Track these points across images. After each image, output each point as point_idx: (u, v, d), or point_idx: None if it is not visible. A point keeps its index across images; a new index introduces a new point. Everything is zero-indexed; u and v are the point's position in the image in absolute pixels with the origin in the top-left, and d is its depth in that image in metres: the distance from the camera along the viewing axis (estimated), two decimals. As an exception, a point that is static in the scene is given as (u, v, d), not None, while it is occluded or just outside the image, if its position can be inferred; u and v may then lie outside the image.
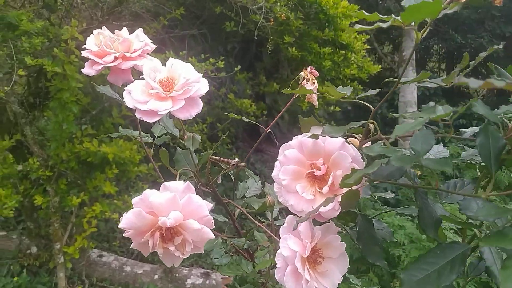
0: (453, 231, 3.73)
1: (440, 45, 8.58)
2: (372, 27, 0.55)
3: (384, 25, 0.54)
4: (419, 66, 7.39)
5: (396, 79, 0.61)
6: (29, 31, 2.33)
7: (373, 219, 0.79)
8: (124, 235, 0.63)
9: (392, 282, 3.66)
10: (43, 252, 3.43)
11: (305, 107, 3.67)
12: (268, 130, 0.81)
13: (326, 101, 3.86)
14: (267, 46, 3.43)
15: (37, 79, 2.91)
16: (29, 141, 2.90)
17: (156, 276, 3.53)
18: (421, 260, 0.57)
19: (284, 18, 3.28)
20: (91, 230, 3.01)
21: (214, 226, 0.67)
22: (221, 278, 3.55)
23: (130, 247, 0.65)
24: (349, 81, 3.89)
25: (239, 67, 3.54)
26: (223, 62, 2.98)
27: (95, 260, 3.62)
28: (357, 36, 3.74)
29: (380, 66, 4.17)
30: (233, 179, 0.84)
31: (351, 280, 1.28)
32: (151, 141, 0.83)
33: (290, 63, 4.68)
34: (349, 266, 0.69)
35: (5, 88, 2.24)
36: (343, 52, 3.69)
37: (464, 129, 0.72)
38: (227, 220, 0.93)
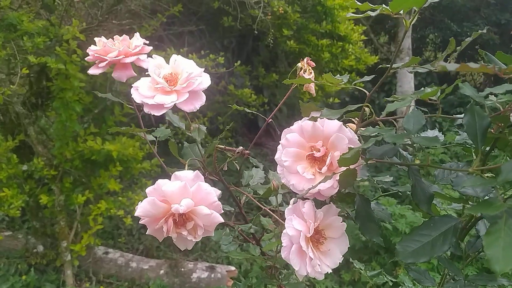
0: (453, 211, 3.79)
1: (436, 34, 8.60)
2: (362, 15, 0.59)
3: (373, 13, 0.58)
4: (416, 55, 7.42)
5: (389, 66, 0.65)
6: (30, 31, 2.37)
7: (371, 201, 0.84)
8: (140, 222, 0.68)
9: (394, 270, 3.71)
10: (50, 250, 3.48)
11: (306, 99, 3.71)
12: (269, 121, 0.85)
13: (325, 93, 3.91)
14: (268, 39, 3.47)
15: (39, 79, 2.95)
16: (33, 141, 2.94)
17: (161, 271, 3.59)
18: (415, 232, 0.61)
19: (282, 11, 3.32)
20: (97, 227, 3.06)
21: (222, 211, 0.71)
22: (226, 271, 3.61)
23: (146, 233, 0.69)
24: (347, 73, 3.91)
25: (238, 62, 3.57)
26: (223, 58, 3.02)
27: (101, 257, 3.67)
28: (354, 27, 3.78)
29: (377, 56, 4.21)
30: (238, 169, 0.88)
31: (355, 264, 1.32)
32: (154, 139, 0.87)
33: (288, 56, 4.73)
34: (349, 253, 0.73)
35: (11, 86, 2.28)
36: (341, 43, 3.73)
37: (457, 115, 0.76)
38: (234, 209, 0.98)
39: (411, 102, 0.52)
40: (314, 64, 0.79)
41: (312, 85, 0.79)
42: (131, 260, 3.69)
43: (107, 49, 0.78)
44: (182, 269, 3.58)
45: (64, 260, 3.25)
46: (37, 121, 3.07)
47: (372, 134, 0.60)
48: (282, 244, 0.67)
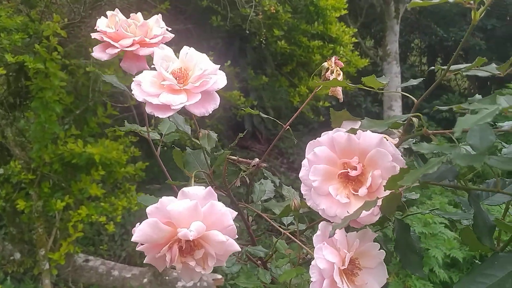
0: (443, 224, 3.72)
1: (421, 39, 8.61)
2: (437, 1, 0.48)
3: (451, 0, 0.47)
4: (401, 60, 7.41)
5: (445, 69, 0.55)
6: (8, 28, 2.22)
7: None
8: (137, 248, 0.56)
9: (404, 280, 3.62)
10: (27, 258, 3.30)
11: (296, 102, 3.61)
12: (287, 128, 0.73)
13: (315, 96, 3.81)
14: (258, 40, 3.36)
15: (17, 78, 2.78)
16: (10, 143, 2.78)
17: (145, 280, 3.44)
18: (476, 271, 0.50)
19: (274, 11, 3.21)
20: (77, 235, 2.90)
21: (237, 236, 0.60)
22: (213, 279, 3.48)
23: (144, 261, 0.58)
24: (338, 76, 3.85)
25: (229, 62, 3.45)
26: (213, 59, 2.89)
27: (81, 265, 3.50)
28: (345, 29, 3.69)
29: (367, 60, 4.14)
30: (247, 181, 0.77)
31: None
32: (158, 138, 0.76)
33: (275, 58, 4.62)
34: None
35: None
36: (332, 45, 3.64)
37: (500, 124, 0.66)
38: (238, 224, 0.86)
39: (491, 117, 0.41)
40: (342, 64, 0.68)
41: (340, 89, 0.68)
42: (113, 268, 3.53)
43: (120, 34, 0.66)
44: (167, 278, 3.44)
45: (42, 269, 3.08)
46: (15, 122, 2.90)
47: (424, 151, 0.48)
48: (311, 279, 0.56)
